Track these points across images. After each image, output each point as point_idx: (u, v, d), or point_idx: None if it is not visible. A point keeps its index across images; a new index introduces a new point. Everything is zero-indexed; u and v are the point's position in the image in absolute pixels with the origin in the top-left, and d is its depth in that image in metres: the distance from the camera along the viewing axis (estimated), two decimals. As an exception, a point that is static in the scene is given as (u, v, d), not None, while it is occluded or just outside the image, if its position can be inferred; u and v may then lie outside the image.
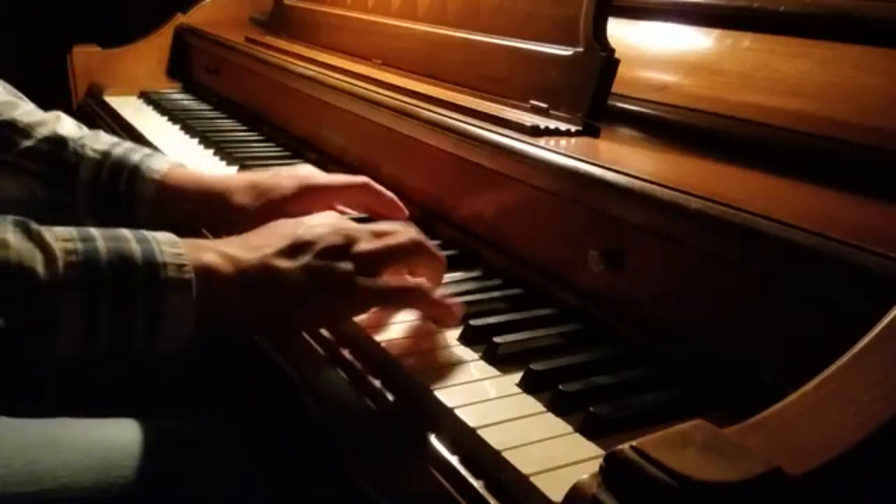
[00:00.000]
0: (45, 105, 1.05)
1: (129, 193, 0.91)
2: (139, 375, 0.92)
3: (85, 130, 0.98)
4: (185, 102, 1.64)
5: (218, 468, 0.75)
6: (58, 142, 0.93)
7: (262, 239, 0.67)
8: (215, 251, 0.64)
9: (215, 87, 1.66)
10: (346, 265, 0.66)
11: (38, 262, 0.56)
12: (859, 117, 0.73)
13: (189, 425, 0.79)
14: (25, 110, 0.97)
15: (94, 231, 0.61)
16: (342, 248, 0.67)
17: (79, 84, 1.72)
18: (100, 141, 0.95)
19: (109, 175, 0.91)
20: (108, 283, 0.58)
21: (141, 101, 1.66)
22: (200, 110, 1.58)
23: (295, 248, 0.66)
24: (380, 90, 1.06)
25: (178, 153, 1.23)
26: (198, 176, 0.94)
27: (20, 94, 1.02)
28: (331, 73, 1.19)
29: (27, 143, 0.93)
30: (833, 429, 0.40)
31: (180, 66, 1.80)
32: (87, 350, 0.58)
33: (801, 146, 0.74)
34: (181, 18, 1.81)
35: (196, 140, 1.34)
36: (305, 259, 0.65)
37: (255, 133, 1.39)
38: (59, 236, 0.59)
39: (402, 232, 0.72)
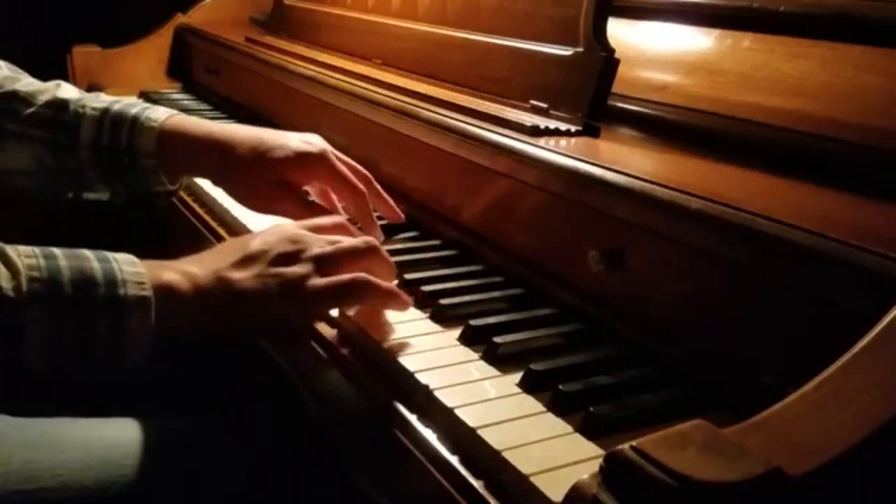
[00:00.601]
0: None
1: (131, 145, 0.91)
2: (139, 376, 0.93)
3: (85, 93, 0.98)
4: (185, 102, 1.64)
5: (217, 468, 0.75)
6: (59, 105, 0.93)
7: (216, 255, 0.70)
8: (173, 269, 0.66)
9: (215, 87, 1.66)
10: (296, 269, 0.69)
11: (2, 277, 0.58)
12: (859, 117, 0.73)
13: (189, 425, 0.79)
14: (26, 82, 0.98)
15: (56, 250, 0.62)
16: (292, 255, 0.70)
17: (79, 84, 1.71)
18: (99, 100, 0.96)
19: (111, 129, 0.92)
20: (70, 298, 0.59)
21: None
22: (200, 110, 1.58)
23: (247, 259, 0.69)
24: (380, 90, 1.06)
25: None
26: (199, 123, 0.93)
27: (21, 71, 1.02)
28: (331, 73, 1.19)
29: (30, 110, 0.94)
30: (833, 429, 0.40)
31: (180, 66, 1.80)
32: (50, 363, 0.60)
33: (801, 146, 0.74)
34: (181, 18, 1.81)
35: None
36: (257, 268, 0.68)
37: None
38: (22, 253, 0.60)
39: (353, 240, 0.75)
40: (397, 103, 0.99)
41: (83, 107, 0.94)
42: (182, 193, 1.07)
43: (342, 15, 1.38)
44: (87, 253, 0.63)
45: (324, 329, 0.73)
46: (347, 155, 0.88)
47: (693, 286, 0.64)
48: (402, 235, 0.93)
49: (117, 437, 0.72)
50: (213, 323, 0.67)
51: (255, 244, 0.70)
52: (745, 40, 0.87)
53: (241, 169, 0.87)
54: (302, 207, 0.86)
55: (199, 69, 1.73)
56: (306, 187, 0.91)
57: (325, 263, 0.71)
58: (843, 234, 0.53)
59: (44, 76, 1.02)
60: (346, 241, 0.74)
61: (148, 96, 1.66)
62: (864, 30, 0.77)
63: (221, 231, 0.99)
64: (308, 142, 0.89)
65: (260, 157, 0.86)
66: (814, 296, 0.54)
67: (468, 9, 1.07)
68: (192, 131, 0.91)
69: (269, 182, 0.87)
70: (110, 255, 0.64)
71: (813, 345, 0.51)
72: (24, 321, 0.58)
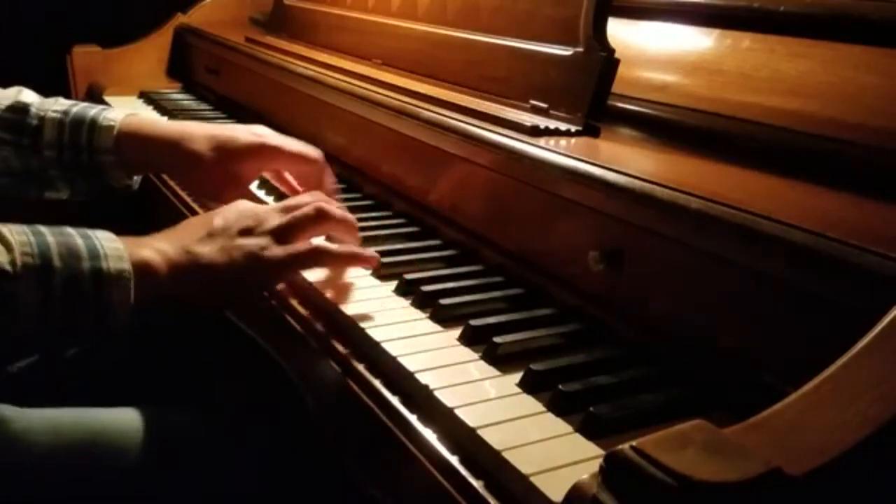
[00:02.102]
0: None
1: (91, 144, 0.97)
2: (140, 368, 0.96)
3: (44, 98, 1.03)
4: (185, 102, 1.64)
5: (216, 454, 0.80)
6: (21, 109, 0.99)
7: (182, 232, 0.76)
8: (148, 245, 0.71)
9: (215, 87, 1.66)
10: (258, 241, 0.74)
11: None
12: (859, 117, 0.73)
13: (188, 413, 0.83)
14: None
15: (42, 227, 0.67)
16: (252, 228, 0.75)
17: (79, 84, 1.72)
18: (59, 103, 1.01)
19: (71, 130, 0.97)
20: (60, 270, 0.64)
21: (141, 100, 1.66)
22: (200, 110, 1.58)
23: (211, 235, 0.74)
24: (380, 90, 1.06)
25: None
26: (155, 121, 1.00)
27: None
28: (331, 73, 1.19)
29: None
30: (833, 429, 0.40)
31: (180, 66, 1.80)
32: (41, 330, 0.64)
33: (801, 146, 0.74)
34: (181, 18, 1.81)
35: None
36: (221, 242, 0.74)
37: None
38: (14, 230, 0.65)
39: (309, 203, 0.79)
40: (397, 103, 0.99)
41: (45, 110, 0.99)
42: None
43: (342, 15, 1.38)
44: (70, 230, 0.68)
45: (320, 327, 0.74)
46: (347, 155, 0.88)
47: (693, 286, 0.64)
48: (401, 231, 0.93)
49: (118, 423, 0.77)
50: (184, 295, 0.72)
51: (217, 221, 0.76)
52: (745, 40, 0.87)
53: (198, 163, 0.93)
54: (252, 195, 0.95)
55: (199, 69, 1.73)
56: (264, 173, 1.00)
57: (283, 233, 0.76)
58: (843, 234, 0.53)
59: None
60: (299, 211, 0.78)
61: (148, 96, 1.66)
62: (864, 30, 0.77)
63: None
64: (257, 133, 0.96)
65: (216, 150, 0.93)
66: (814, 296, 0.54)
67: (468, 9, 1.07)
68: (148, 129, 0.97)
69: (224, 173, 0.94)
70: (90, 231, 0.69)
71: (813, 345, 0.51)
72: (18, 292, 0.62)
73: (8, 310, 0.62)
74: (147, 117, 1.00)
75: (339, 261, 0.79)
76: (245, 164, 0.94)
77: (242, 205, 0.80)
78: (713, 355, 0.61)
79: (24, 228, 0.66)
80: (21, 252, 0.63)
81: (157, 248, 0.72)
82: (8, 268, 0.62)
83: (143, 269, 0.69)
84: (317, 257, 0.77)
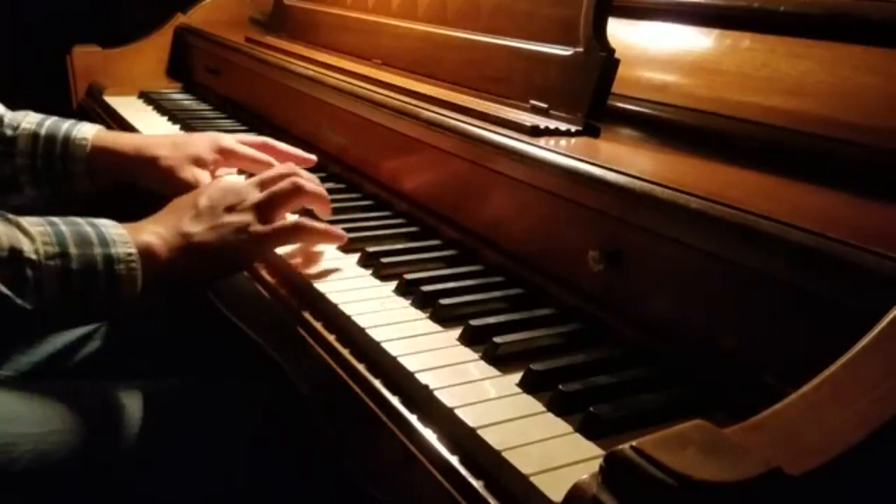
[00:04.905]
0: (45, 105, 1.06)
1: (65, 155, 1.06)
2: (141, 357, 1.04)
3: (13, 112, 1.11)
4: (185, 102, 1.64)
5: (213, 426, 0.87)
6: None
7: (171, 214, 0.82)
8: (145, 230, 0.78)
9: (215, 87, 1.66)
10: (242, 218, 0.81)
11: (22, 242, 0.70)
12: (859, 117, 0.73)
13: (187, 387, 0.90)
14: None
15: (55, 218, 0.75)
16: (235, 204, 0.82)
17: (79, 84, 1.72)
18: (31, 116, 1.10)
19: (45, 142, 1.07)
20: (76, 256, 0.72)
21: (141, 101, 1.66)
22: (200, 110, 1.58)
23: (199, 215, 0.81)
24: (380, 90, 1.06)
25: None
26: (122, 134, 1.13)
27: None
28: (331, 73, 1.19)
29: None
30: (833, 429, 0.40)
31: (180, 66, 1.80)
32: (61, 308, 0.74)
33: (800, 146, 0.74)
34: (181, 18, 1.81)
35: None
36: (209, 221, 0.80)
37: (255, 133, 1.39)
38: (32, 222, 0.72)
39: (284, 178, 0.86)
40: (397, 103, 0.99)
41: (17, 122, 1.08)
42: None
43: (342, 15, 1.38)
44: (78, 219, 0.75)
45: (319, 325, 0.73)
46: (347, 155, 0.89)
47: (693, 286, 0.64)
48: (401, 231, 0.93)
49: (122, 392, 0.84)
50: (181, 272, 0.79)
51: (202, 200, 0.82)
52: (745, 40, 0.87)
53: (166, 165, 1.04)
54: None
55: (199, 69, 1.73)
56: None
57: (265, 208, 0.83)
58: (843, 234, 0.53)
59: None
60: (277, 186, 0.85)
61: (148, 96, 1.66)
62: (864, 30, 0.77)
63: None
64: (212, 136, 1.09)
65: (178, 153, 1.05)
66: (814, 296, 0.54)
67: (468, 9, 1.07)
68: (117, 143, 1.08)
69: (187, 174, 1.04)
70: (94, 220, 0.76)
71: (813, 345, 0.51)
72: (42, 276, 0.70)
73: (35, 293, 0.70)
74: (116, 133, 1.13)
75: (315, 235, 0.85)
76: (206, 165, 1.05)
77: (223, 182, 0.87)
78: (713, 355, 0.61)
79: (40, 220, 0.73)
80: (42, 242, 0.71)
81: (155, 231, 0.78)
82: (33, 256, 0.70)
83: (146, 252, 0.76)
84: (297, 232, 0.84)
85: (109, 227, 0.75)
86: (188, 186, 1.01)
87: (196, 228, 0.80)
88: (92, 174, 1.08)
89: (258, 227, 0.81)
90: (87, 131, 1.09)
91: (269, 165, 1.03)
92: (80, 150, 1.06)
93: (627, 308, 0.69)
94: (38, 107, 1.14)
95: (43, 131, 1.07)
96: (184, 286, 0.86)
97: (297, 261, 0.84)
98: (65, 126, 1.09)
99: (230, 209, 0.82)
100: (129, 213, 0.83)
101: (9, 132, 1.07)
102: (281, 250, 0.86)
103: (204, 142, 1.07)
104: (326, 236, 0.86)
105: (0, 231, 0.70)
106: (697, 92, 0.87)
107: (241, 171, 1.12)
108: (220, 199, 0.82)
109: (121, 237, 0.75)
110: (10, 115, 1.09)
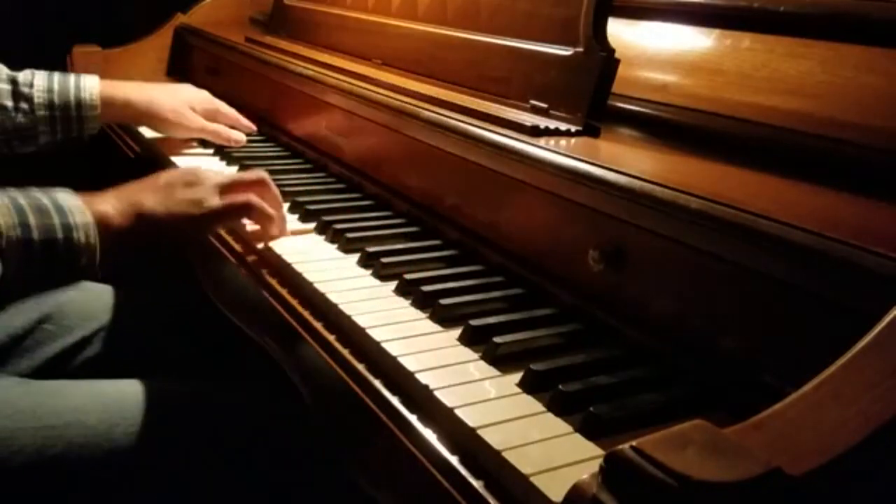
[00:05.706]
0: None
1: (79, 106, 1.19)
2: (141, 357, 1.06)
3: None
4: (185, 102, 1.64)
5: (212, 426, 0.88)
6: (12, 80, 1.17)
7: (130, 188, 0.88)
8: (102, 200, 0.84)
9: (215, 87, 1.65)
10: (194, 192, 0.88)
11: None
12: (859, 117, 0.73)
13: (183, 387, 0.91)
14: None
15: (11, 190, 0.79)
16: (193, 182, 0.89)
17: (79, 84, 1.71)
18: (38, 74, 1.19)
19: (59, 94, 1.18)
20: (36, 226, 0.77)
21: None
22: (200, 110, 1.57)
23: (155, 189, 0.88)
24: (380, 90, 1.05)
25: (178, 153, 1.23)
26: (123, 86, 1.26)
27: None
28: (331, 73, 1.19)
29: None
30: (833, 429, 0.40)
31: (180, 66, 1.80)
32: (24, 276, 0.77)
33: (801, 146, 0.74)
34: (181, 18, 1.81)
35: (196, 140, 1.34)
36: (161, 194, 0.87)
37: (255, 133, 1.39)
38: None
39: (251, 180, 0.93)
40: (397, 103, 0.99)
41: (29, 79, 1.17)
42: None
43: (342, 15, 1.38)
44: (35, 191, 0.80)
45: (319, 325, 0.73)
46: (347, 155, 0.89)
47: (693, 286, 0.64)
48: (401, 231, 0.93)
49: (121, 390, 0.87)
50: (133, 239, 0.85)
51: (162, 178, 0.89)
52: (745, 40, 0.87)
53: (166, 112, 1.24)
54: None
55: (199, 69, 1.73)
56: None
57: (222, 190, 0.89)
58: (843, 234, 0.53)
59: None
60: (242, 174, 0.93)
61: (148, 96, 1.66)
62: (864, 30, 0.77)
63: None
64: (207, 97, 1.31)
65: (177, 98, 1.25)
66: (814, 296, 0.54)
67: (468, 9, 1.07)
68: (122, 97, 1.23)
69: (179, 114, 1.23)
70: (51, 190, 0.81)
71: (813, 345, 0.51)
72: (4, 247, 0.75)
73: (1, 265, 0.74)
74: (118, 83, 1.26)
75: (265, 220, 0.89)
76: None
77: (187, 167, 0.95)
78: (713, 355, 0.61)
79: (2, 196, 0.77)
80: (1, 213, 0.75)
81: (109, 201, 0.85)
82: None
83: (101, 220, 0.82)
84: (249, 210, 0.89)
85: (66, 198, 0.81)
86: (190, 132, 1.24)
87: (147, 201, 0.86)
88: (103, 119, 1.22)
89: (212, 202, 0.87)
90: (92, 87, 1.20)
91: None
92: (91, 110, 1.19)
93: (628, 308, 0.69)
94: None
95: (56, 86, 1.18)
96: (137, 250, 0.91)
97: (297, 261, 0.84)
98: (72, 85, 1.19)
99: (187, 186, 0.88)
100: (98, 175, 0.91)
101: (26, 90, 1.16)
102: (281, 251, 0.86)
103: (199, 96, 1.30)
104: (273, 221, 0.89)
105: None
106: (697, 92, 0.87)
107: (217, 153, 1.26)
108: (179, 178, 0.89)
109: (77, 207, 0.80)
110: (20, 75, 1.18)
